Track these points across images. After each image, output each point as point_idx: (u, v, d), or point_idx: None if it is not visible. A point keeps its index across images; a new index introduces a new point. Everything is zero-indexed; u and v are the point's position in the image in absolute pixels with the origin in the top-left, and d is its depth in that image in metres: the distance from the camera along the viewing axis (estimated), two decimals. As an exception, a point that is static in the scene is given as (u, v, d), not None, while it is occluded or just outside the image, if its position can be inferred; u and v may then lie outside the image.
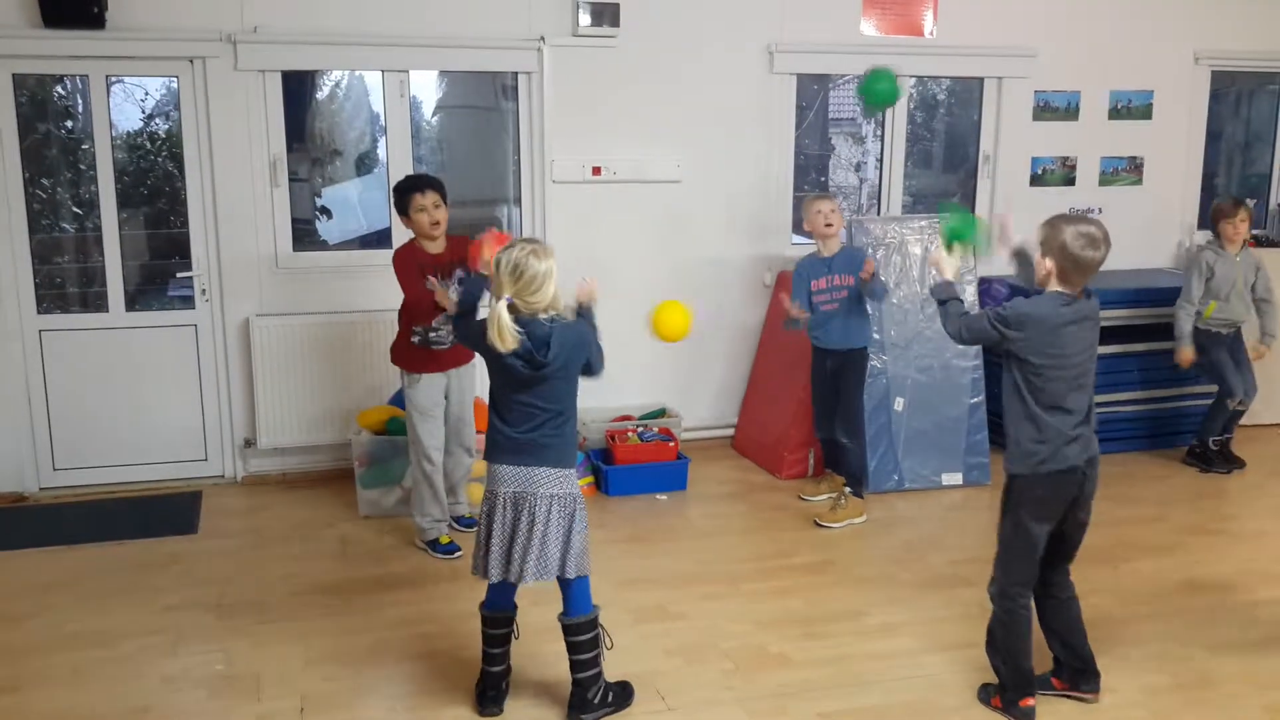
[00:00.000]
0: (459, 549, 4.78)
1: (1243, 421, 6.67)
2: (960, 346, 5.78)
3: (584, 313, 3.48)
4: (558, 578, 3.37)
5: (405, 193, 4.68)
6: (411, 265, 4.66)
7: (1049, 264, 3.30)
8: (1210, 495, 5.79)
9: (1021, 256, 3.51)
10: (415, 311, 4.65)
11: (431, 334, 4.66)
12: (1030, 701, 3.47)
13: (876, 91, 5.01)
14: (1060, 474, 3.35)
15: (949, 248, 3.57)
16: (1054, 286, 3.34)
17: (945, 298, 3.55)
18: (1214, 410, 6.16)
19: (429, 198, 4.63)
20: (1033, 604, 3.51)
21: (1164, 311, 6.26)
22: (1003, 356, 3.40)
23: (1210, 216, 6.13)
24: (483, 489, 5.06)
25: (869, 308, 5.28)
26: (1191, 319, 6.00)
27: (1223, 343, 6.07)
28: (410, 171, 5.83)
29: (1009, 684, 3.49)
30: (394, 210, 4.82)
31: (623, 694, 3.57)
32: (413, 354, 4.71)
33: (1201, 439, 6.20)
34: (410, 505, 4.93)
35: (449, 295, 4.47)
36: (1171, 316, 6.13)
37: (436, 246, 4.71)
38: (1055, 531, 3.44)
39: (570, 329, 3.35)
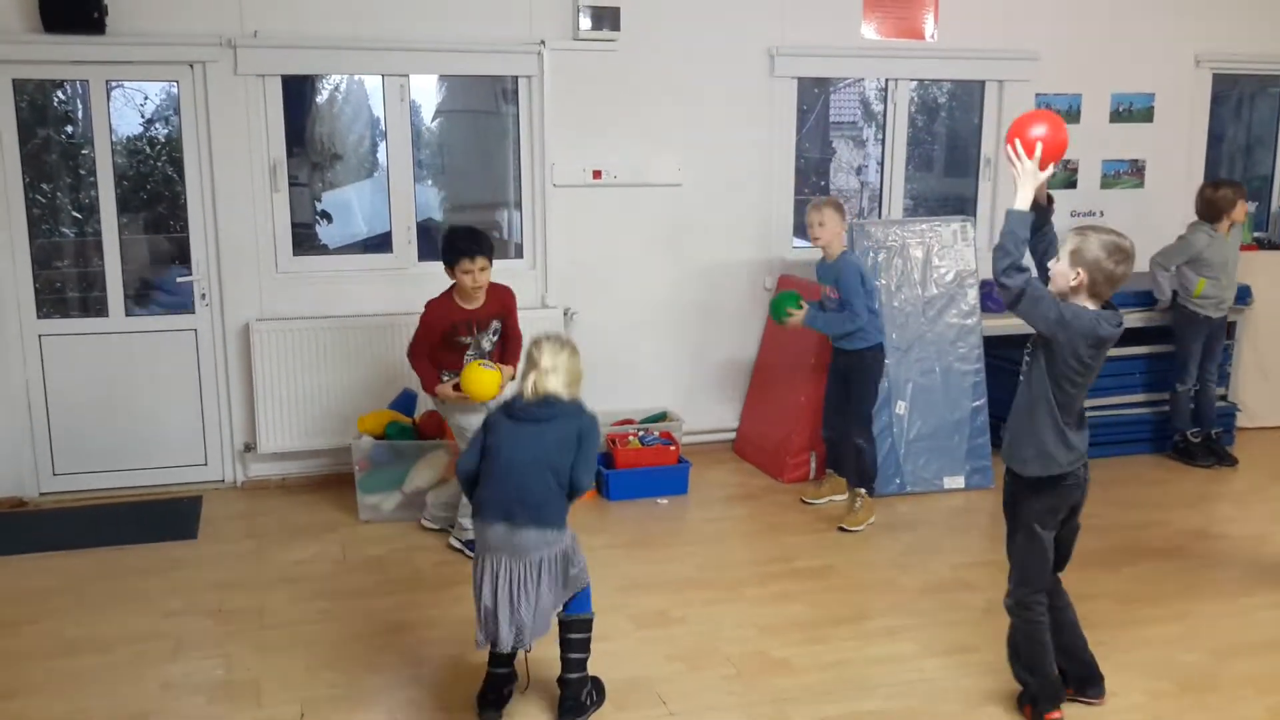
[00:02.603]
0: None
1: (1244, 424, 6.69)
2: (964, 351, 5.78)
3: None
4: None
5: (457, 255, 4.60)
6: (438, 326, 4.68)
7: (1080, 275, 3.23)
8: (1212, 498, 5.77)
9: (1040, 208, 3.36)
10: (438, 360, 4.73)
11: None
12: (1058, 714, 3.44)
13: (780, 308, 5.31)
14: (1071, 485, 3.36)
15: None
16: (1079, 299, 3.27)
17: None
18: (1171, 399, 6.24)
19: (478, 263, 4.60)
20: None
21: (1163, 314, 6.28)
22: (1038, 367, 3.31)
23: (1210, 200, 6.06)
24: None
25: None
26: (1169, 282, 6.14)
27: (1202, 331, 6.14)
28: (411, 176, 5.85)
29: (1037, 694, 3.47)
30: (442, 257, 4.73)
31: (599, 689, 3.61)
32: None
33: (1181, 432, 6.24)
34: (458, 506, 4.90)
35: (449, 389, 4.66)
36: (1171, 320, 6.20)
37: (473, 304, 4.72)
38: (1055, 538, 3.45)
39: (578, 406, 3.40)
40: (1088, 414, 3.44)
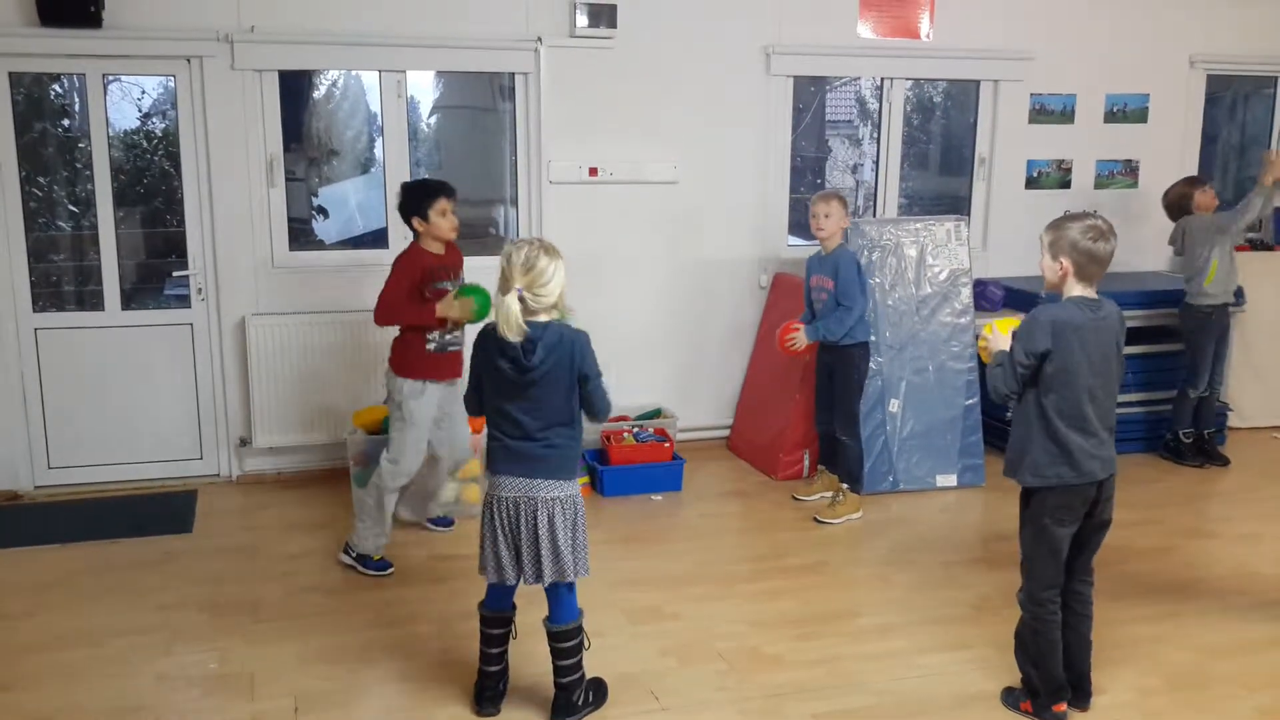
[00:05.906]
0: (391, 566, 4.66)
1: (1237, 424, 6.72)
2: (957, 349, 5.80)
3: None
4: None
5: (430, 195, 4.50)
6: (414, 270, 4.51)
7: (1064, 264, 3.29)
8: (1204, 497, 5.80)
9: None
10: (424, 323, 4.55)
11: (448, 336, 4.58)
12: (1063, 708, 3.47)
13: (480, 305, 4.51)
14: (1080, 486, 3.34)
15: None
16: (1072, 289, 3.33)
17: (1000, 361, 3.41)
18: (1177, 400, 6.24)
19: (451, 203, 4.54)
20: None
21: (1158, 313, 6.33)
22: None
23: (1176, 197, 6.18)
24: (475, 489, 5.16)
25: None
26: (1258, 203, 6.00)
27: (1214, 330, 6.12)
28: (408, 172, 5.85)
29: (1042, 690, 3.49)
30: (400, 210, 4.58)
31: (599, 691, 3.59)
32: (424, 362, 4.55)
33: (1173, 430, 6.25)
34: (356, 514, 4.71)
35: (451, 303, 4.45)
36: (1167, 317, 6.28)
37: (439, 249, 4.60)
38: (1076, 533, 3.42)
39: (561, 334, 3.30)
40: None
